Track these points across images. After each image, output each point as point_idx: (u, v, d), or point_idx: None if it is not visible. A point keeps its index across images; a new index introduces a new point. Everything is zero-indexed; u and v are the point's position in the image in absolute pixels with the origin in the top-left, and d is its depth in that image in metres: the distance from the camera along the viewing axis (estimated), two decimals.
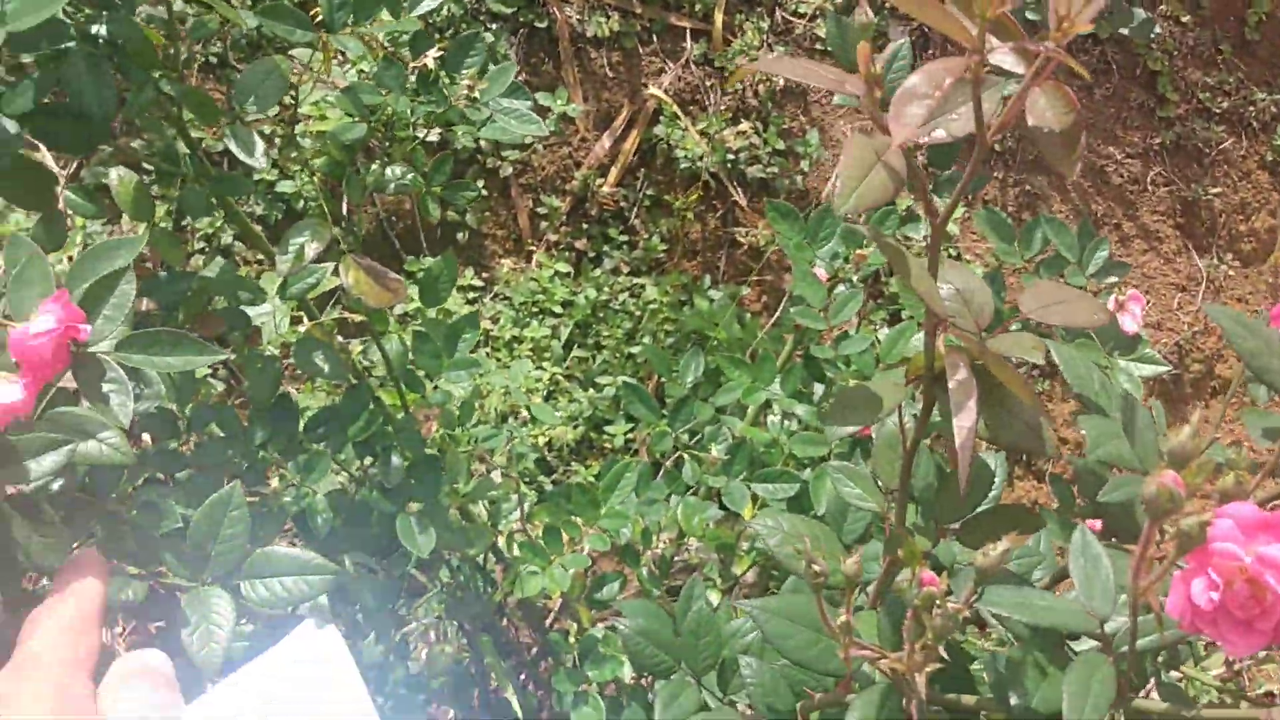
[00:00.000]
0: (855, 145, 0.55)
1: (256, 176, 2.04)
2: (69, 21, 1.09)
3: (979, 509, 0.73)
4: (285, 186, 1.81)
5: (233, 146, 1.18)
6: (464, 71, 1.34)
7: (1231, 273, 2.75)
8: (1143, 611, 0.49)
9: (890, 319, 2.40)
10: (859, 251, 1.46)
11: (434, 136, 1.71)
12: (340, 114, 1.26)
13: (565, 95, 2.31)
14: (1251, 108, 2.83)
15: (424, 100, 1.27)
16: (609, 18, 2.41)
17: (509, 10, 2.34)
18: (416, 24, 1.31)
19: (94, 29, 1.09)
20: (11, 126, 1.06)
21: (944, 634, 0.48)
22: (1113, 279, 1.44)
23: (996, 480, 0.76)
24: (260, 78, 1.21)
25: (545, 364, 2.17)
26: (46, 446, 0.80)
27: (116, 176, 1.28)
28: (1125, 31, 1.36)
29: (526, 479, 2.06)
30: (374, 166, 1.35)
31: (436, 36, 2.23)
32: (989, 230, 1.39)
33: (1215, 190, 2.76)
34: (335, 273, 1.27)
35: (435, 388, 1.33)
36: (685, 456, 1.44)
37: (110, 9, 1.11)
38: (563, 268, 2.29)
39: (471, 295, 2.26)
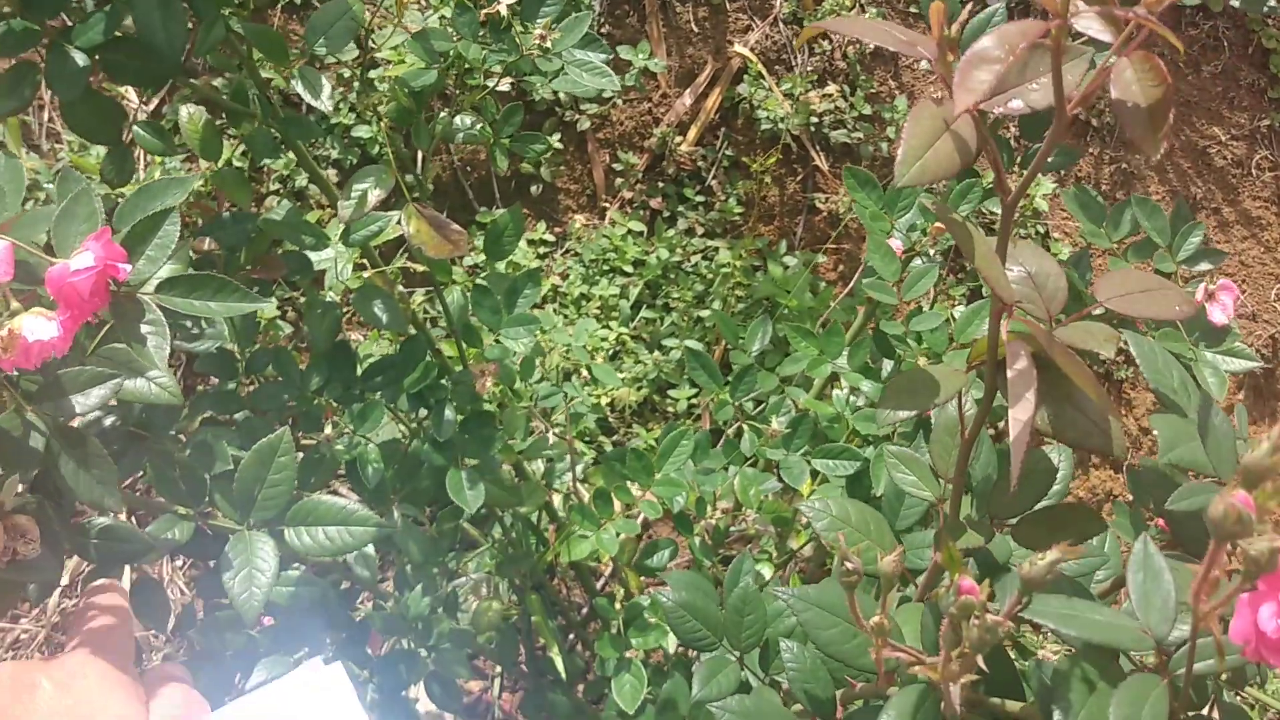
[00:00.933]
0: (922, 112, 0.51)
1: (333, 120, 2.03)
2: None
3: (1038, 505, 0.69)
4: (361, 131, 1.80)
5: (300, 89, 1.17)
6: (540, 20, 1.31)
7: None
8: (1203, 634, 0.45)
9: (970, 295, 2.33)
10: (936, 225, 1.41)
11: (506, 86, 1.68)
12: (415, 60, 1.24)
13: (648, 49, 2.27)
14: None
15: (495, 48, 1.24)
16: None
17: None
18: None
19: None
20: (81, 59, 1.05)
21: (982, 646, 0.45)
22: (1205, 266, 1.37)
23: (1060, 475, 0.72)
24: (332, 18, 1.19)
25: (612, 323, 2.15)
26: (92, 381, 0.79)
27: (186, 114, 1.27)
28: (1236, 4, 1.28)
29: (586, 439, 2.05)
30: (443, 115, 1.33)
31: None
32: (1077, 209, 1.32)
33: None
34: (400, 221, 1.25)
35: (495, 343, 1.31)
36: (745, 427, 1.41)
37: None
38: (636, 226, 2.26)
39: (543, 250, 2.24)
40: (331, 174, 2.01)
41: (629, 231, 2.26)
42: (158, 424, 1.19)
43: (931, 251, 1.44)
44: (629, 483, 1.32)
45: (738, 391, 1.40)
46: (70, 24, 1.06)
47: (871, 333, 1.40)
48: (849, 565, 0.52)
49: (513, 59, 1.23)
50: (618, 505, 1.38)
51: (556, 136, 2.25)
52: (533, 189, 2.26)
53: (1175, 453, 0.62)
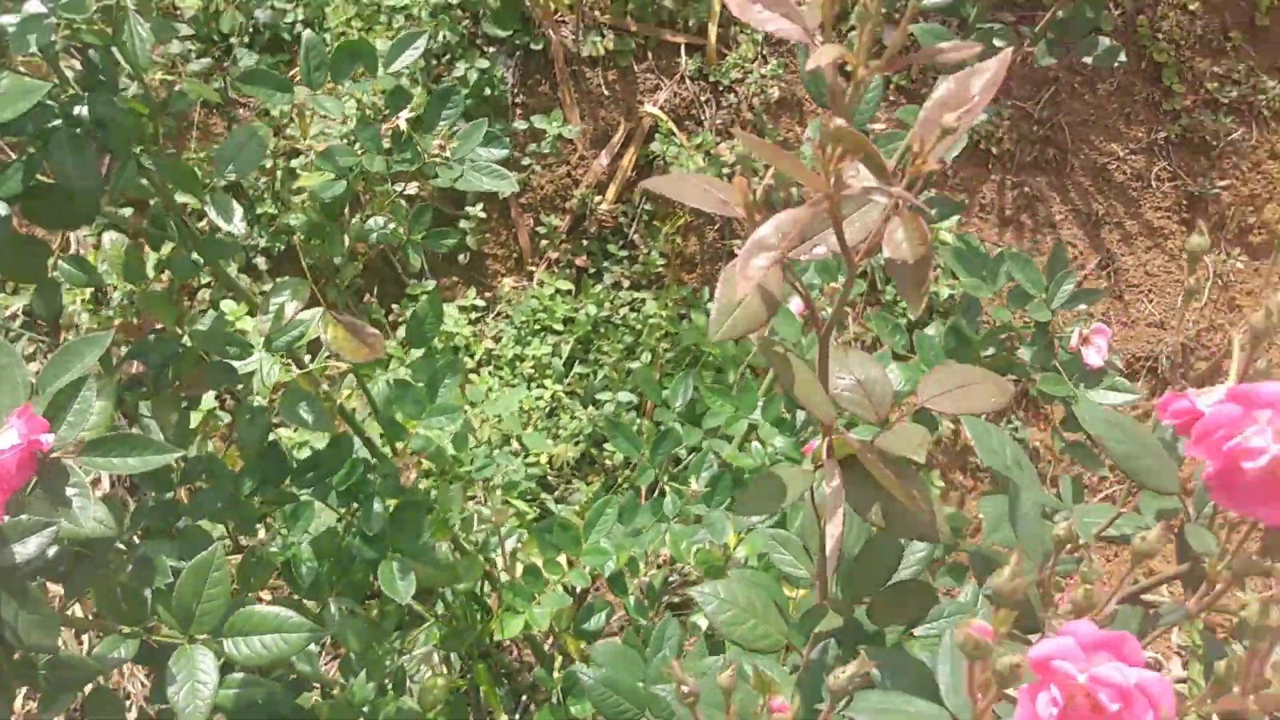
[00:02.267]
0: (732, 273, 0.59)
1: (259, 210, 2.09)
2: (53, 104, 1.14)
3: (890, 583, 0.77)
4: (290, 219, 1.86)
5: (212, 214, 1.23)
6: (440, 125, 1.38)
7: (1240, 266, 2.74)
8: None
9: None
10: (831, 285, 1.49)
11: (414, 189, 1.75)
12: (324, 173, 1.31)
13: (561, 117, 2.35)
14: (1261, 96, 2.81)
15: (398, 159, 1.31)
16: (604, 37, 2.44)
17: (504, 34, 2.37)
18: (394, 80, 1.36)
19: (77, 110, 1.14)
20: (3, 209, 1.11)
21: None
22: (1081, 307, 1.46)
23: (919, 555, 0.80)
24: (239, 145, 1.26)
25: (547, 382, 2.22)
26: (31, 529, 0.86)
27: (108, 240, 1.34)
28: (1088, 60, 1.37)
29: (529, 497, 2.11)
30: (355, 220, 1.40)
31: (434, 62, 2.28)
32: (957, 265, 1.41)
33: (1223, 183, 2.75)
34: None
35: (419, 433, 1.38)
36: (667, 488, 1.48)
37: (96, 90, 1.16)
38: (564, 285, 2.34)
39: (474, 315, 2.31)
40: (261, 261, 2.07)
41: (557, 291, 2.34)
42: (99, 542, 1.24)
43: (829, 310, 1.52)
44: (557, 556, 1.38)
45: (658, 454, 1.47)
46: None
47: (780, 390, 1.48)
48: (685, 688, 0.58)
49: (414, 167, 1.29)
50: (560, 570, 1.45)
51: (480, 206, 2.32)
52: (460, 257, 2.33)
53: (996, 535, 0.69)
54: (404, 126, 1.27)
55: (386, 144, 1.34)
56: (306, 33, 1.31)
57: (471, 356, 2.24)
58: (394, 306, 2.27)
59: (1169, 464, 0.63)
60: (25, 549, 0.89)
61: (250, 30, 2.19)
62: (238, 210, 1.22)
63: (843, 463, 0.70)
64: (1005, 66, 0.58)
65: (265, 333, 1.26)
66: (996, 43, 1.43)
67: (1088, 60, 1.34)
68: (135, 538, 1.33)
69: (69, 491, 0.76)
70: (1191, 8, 2.79)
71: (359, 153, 1.29)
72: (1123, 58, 1.41)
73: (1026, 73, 2.68)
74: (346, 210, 1.64)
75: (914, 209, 0.57)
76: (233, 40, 2.14)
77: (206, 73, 2.11)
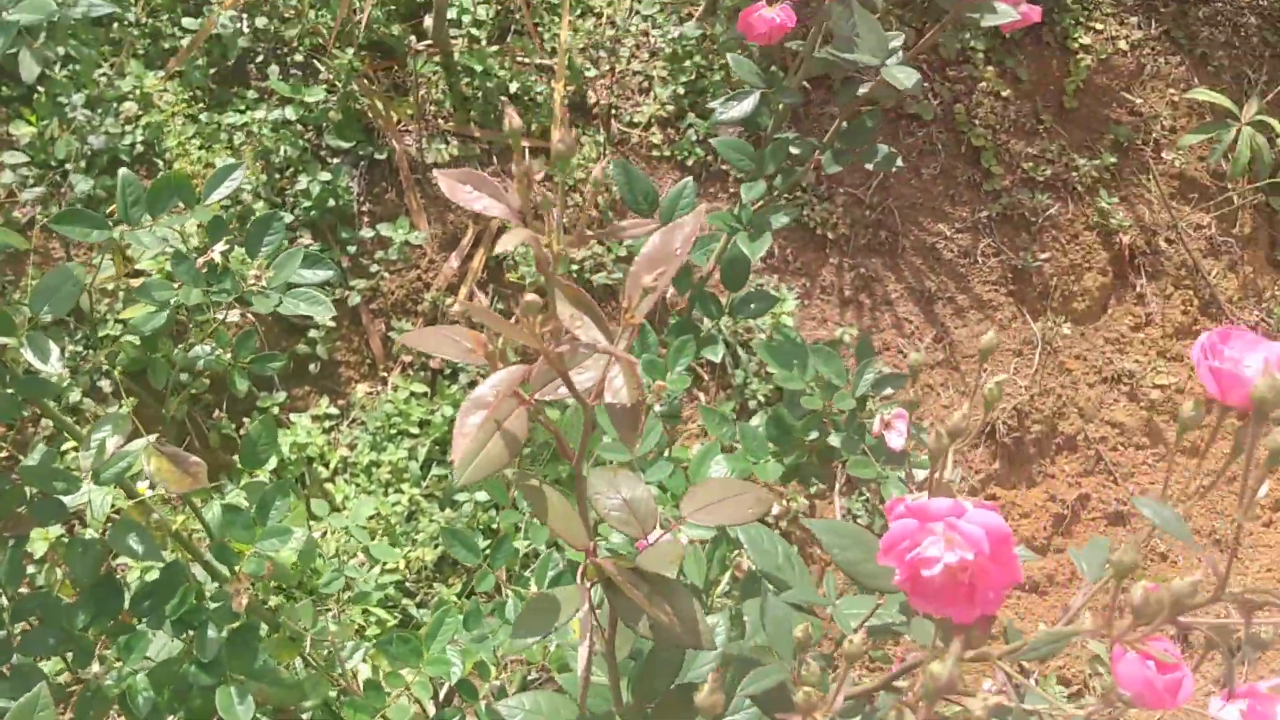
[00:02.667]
0: (471, 419, 0.64)
1: (100, 333, 2.08)
2: None
3: (672, 686, 0.81)
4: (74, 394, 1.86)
5: (29, 355, 1.24)
6: (264, 248, 1.41)
7: (1067, 332, 2.90)
8: None
9: (739, 409, 2.51)
10: (659, 383, 1.55)
11: (236, 316, 1.78)
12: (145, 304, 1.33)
13: (407, 224, 2.40)
14: (1074, 173, 3.01)
15: (217, 290, 1.33)
16: (448, 143, 2.50)
17: (348, 145, 2.42)
18: (211, 213, 1.39)
19: None
20: None
21: None
22: (888, 391, 1.55)
23: (705, 663, 0.85)
24: (55, 285, 1.27)
25: (404, 486, 2.23)
26: None
27: None
28: (869, 166, 1.48)
29: (389, 604, 2.12)
30: (178, 348, 1.42)
31: (277, 176, 2.31)
32: (769, 358, 1.49)
33: (1044, 255, 2.92)
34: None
35: (252, 555, 1.39)
36: (510, 593, 1.51)
37: None
38: (418, 388, 2.36)
39: (327, 424, 2.32)
40: (105, 384, 2.05)
41: (412, 394, 2.36)
42: None
43: (657, 407, 1.58)
44: (400, 668, 1.40)
45: (496, 560, 1.51)
46: None
47: None
48: None
49: (232, 297, 1.32)
50: (402, 682, 1.46)
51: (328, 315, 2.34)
52: (310, 367, 2.35)
53: (759, 637, 0.75)
54: (218, 258, 1.30)
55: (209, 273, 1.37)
56: (123, 171, 1.34)
57: (326, 466, 2.25)
58: (244, 420, 2.27)
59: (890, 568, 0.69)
60: None
61: (88, 154, 2.19)
62: (54, 351, 1.24)
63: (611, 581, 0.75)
64: (700, 220, 0.65)
65: (87, 468, 1.26)
66: (793, 150, 1.52)
67: (869, 166, 1.44)
68: None
69: None
70: (1004, 94, 2.98)
71: (175, 286, 1.32)
72: (904, 153, 1.52)
73: (856, 164, 2.82)
74: (172, 338, 1.66)
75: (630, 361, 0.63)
76: (68, 166, 2.15)
77: (43, 200, 2.11)
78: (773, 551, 0.85)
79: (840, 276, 2.76)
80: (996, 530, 0.56)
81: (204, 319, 1.42)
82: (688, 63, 2.73)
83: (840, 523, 0.72)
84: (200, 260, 1.31)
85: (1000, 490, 2.71)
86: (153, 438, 1.51)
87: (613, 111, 2.68)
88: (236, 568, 1.40)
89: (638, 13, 2.80)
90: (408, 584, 2.14)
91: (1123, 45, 3.06)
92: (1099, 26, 3.06)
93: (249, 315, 2.15)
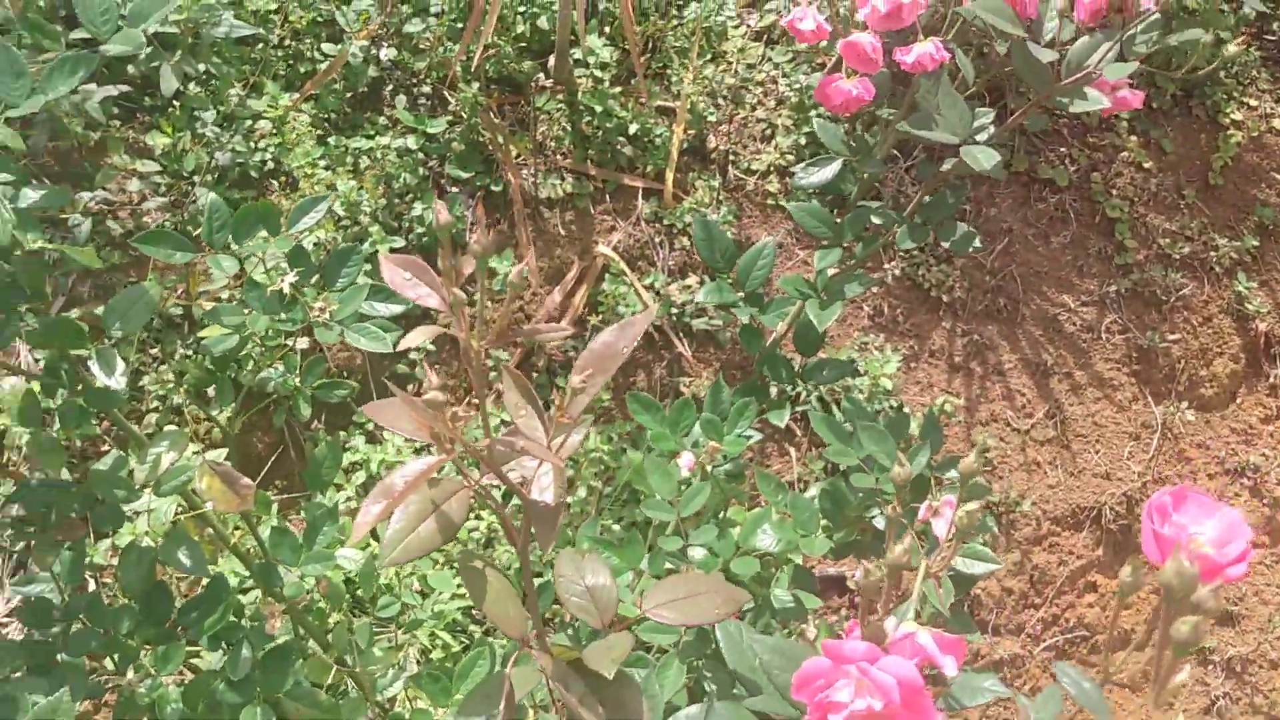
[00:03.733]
0: (412, 499, 0.63)
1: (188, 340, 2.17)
2: None
3: None
4: (154, 384, 1.93)
5: (95, 369, 1.29)
6: (341, 279, 1.44)
7: (1190, 419, 2.75)
8: None
9: (827, 470, 2.45)
10: (712, 444, 1.53)
11: (305, 344, 1.82)
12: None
13: (511, 257, 2.43)
14: (1213, 253, 2.86)
15: (284, 319, 1.37)
16: (563, 180, 2.53)
17: (466, 175, 2.47)
18: (291, 242, 1.43)
19: None
20: None
21: None
22: (954, 473, 1.49)
23: None
24: (129, 303, 1.32)
25: (483, 513, 2.26)
26: None
27: (8, 385, 1.40)
28: (945, 245, 1.43)
29: (457, 630, 2.14)
30: (248, 369, 1.47)
31: (396, 201, 2.37)
32: (825, 432, 1.45)
33: (1173, 336, 2.78)
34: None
35: (300, 578, 1.42)
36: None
37: None
38: (508, 416, 2.39)
39: (418, 444, 2.36)
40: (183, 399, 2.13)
41: (502, 423, 2.39)
42: None
43: (709, 467, 1.56)
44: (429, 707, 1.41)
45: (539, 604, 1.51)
46: None
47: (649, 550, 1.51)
48: None
49: (298, 327, 1.36)
50: (430, 717, 1.47)
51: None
52: (409, 387, 2.40)
53: None
54: (287, 289, 1.34)
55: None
56: (211, 196, 1.39)
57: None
58: (341, 432, 2.33)
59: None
60: None
61: (216, 168, 2.30)
62: (120, 365, 1.29)
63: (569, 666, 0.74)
64: (648, 321, 0.63)
65: (142, 482, 1.31)
66: (875, 220, 1.49)
67: (945, 245, 1.40)
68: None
69: None
70: (1146, 166, 2.86)
71: (246, 311, 1.36)
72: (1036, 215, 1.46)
73: (980, 224, 2.75)
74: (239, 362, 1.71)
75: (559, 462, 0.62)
76: (195, 179, 2.25)
77: (167, 208, 2.22)
78: (750, 655, 0.82)
79: (951, 341, 2.68)
80: (909, 681, 0.53)
81: (275, 343, 1.46)
82: (813, 113, 2.69)
83: (785, 642, 0.69)
84: (270, 289, 1.35)
85: (1102, 578, 2.58)
86: (221, 453, 1.56)
87: (731, 157, 2.66)
88: (278, 589, 1.43)
89: (769, 59, 2.79)
90: (475, 611, 2.16)
91: (1277, 124, 2.90)
92: (1253, 103, 2.90)
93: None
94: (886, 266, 2.68)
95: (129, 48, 1.21)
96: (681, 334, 2.53)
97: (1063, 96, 1.22)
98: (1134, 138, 2.88)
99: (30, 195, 1.23)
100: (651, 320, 0.63)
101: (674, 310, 2.50)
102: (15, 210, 1.14)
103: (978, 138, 1.31)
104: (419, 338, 0.60)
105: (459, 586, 2.01)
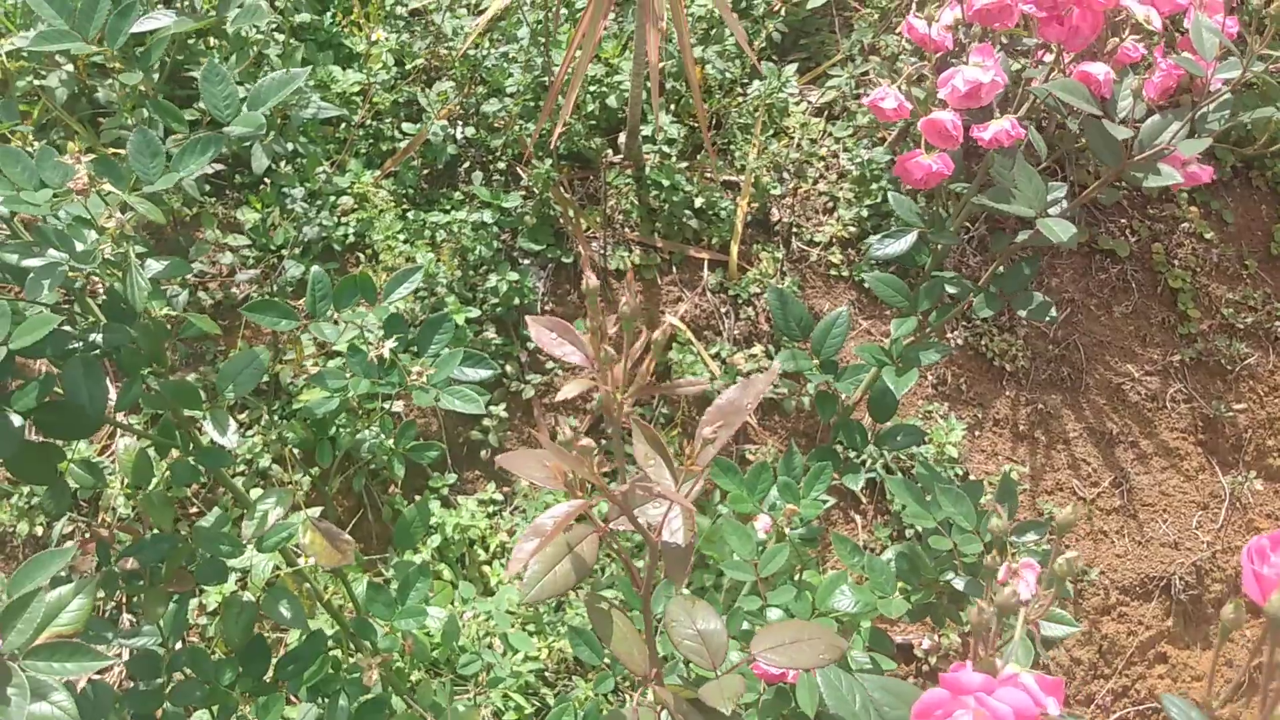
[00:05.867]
0: (549, 541, 0.68)
1: (286, 407, 2.25)
2: (73, 331, 1.30)
3: None
4: (242, 448, 2.01)
5: (209, 428, 1.36)
6: (433, 346, 1.51)
7: (1259, 489, 2.74)
8: None
9: (895, 536, 2.47)
10: (789, 507, 1.57)
11: (400, 407, 1.89)
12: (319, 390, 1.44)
13: (583, 325, 2.50)
14: (1278, 322, 2.87)
15: (383, 382, 1.44)
16: (631, 251, 2.61)
17: (538, 247, 2.55)
18: (388, 311, 1.50)
19: (93, 337, 1.29)
20: (16, 420, 1.25)
21: None
22: (1032, 535, 1.52)
23: None
24: (240, 367, 1.40)
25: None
26: None
27: (123, 446, 1.48)
28: (1023, 314, 1.47)
29: (529, 692, 2.17)
30: (344, 431, 1.53)
31: (471, 273, 2.45)
32: (899, 493, 1.48)
33: (1239, 406, 2.79)
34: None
35: (391, 632, 1.47)
36: (626, 698, 1.55)
37: (117, 319, 1.31)
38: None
39: (491, 509, 2.41)
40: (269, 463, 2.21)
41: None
42: None
43: (787, 529, 1.59)
44: None
45: (617, 667, 1.54)
46: (10, 390, 1.27)
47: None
48: None
49: (396, 391, 1.42)
50: None
51: (503, 405, 2.46)
52: (482, 453, 2.46)
53: None
54: (388, 354, 1.41)
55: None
56: (315, 269, 1.47)
57: (486, 549, 2.34)
58: (416, 497, 2.39)
59: None
60: None
61: (303, 242, 2.39)
62: (232, 426, 1.36)
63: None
64: (772, 379, 0.68)
65: (249, 537, 1.37)
66: (950, 290, 1.53)
67: (1022, 314, 1.44)
68: None
69: (10, 691, 0.87)
70: (1208, 236, 2.88)
71: (348, 375, 1.43)
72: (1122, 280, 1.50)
73: (1046, 295, 2.78)
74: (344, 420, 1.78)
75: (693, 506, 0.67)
76: (284, 252, 2.35)
77: (257, 280, 2.31)
78: (850, 698, 0.86)
79: (1016, 410, 2.70)
80: (1025, 710, 0.57)
81: (372, 406, 1.53)
82: (874, 186, 2.76)
83: (894, 681, 0.73)
84: (372, 354, 1.42)
85: (1172, 649, 2.57)
86: (314, 512, 1.62)
87: (794, 229, 2.73)
88: (372, 643, 1.48)
89: (830, 134, 2.86)
90: (547, 674, 2.19)
91: None
92: None
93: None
94: (950, 336, 2.71)
95: (250, 129, 1.30)
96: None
97: (1137, 172, 1.27)
98: (1194, 209, 2.91)
99: (155, 266, 1.31)
100: (774, 380, 0.68)
101: (739, 377, 2.55)
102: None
103: (1052, 210, 1.36)
104: (574, 389, 0.65)
105: (537, 648, 2.05)
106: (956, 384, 2.70)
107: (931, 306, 1.54)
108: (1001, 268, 1.48)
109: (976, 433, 2.65)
